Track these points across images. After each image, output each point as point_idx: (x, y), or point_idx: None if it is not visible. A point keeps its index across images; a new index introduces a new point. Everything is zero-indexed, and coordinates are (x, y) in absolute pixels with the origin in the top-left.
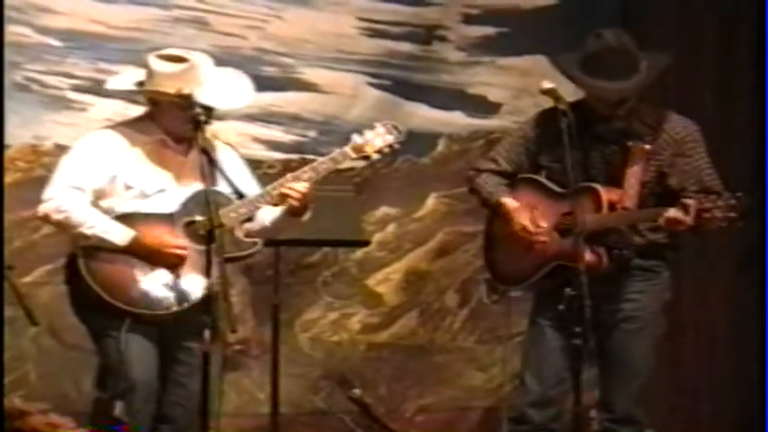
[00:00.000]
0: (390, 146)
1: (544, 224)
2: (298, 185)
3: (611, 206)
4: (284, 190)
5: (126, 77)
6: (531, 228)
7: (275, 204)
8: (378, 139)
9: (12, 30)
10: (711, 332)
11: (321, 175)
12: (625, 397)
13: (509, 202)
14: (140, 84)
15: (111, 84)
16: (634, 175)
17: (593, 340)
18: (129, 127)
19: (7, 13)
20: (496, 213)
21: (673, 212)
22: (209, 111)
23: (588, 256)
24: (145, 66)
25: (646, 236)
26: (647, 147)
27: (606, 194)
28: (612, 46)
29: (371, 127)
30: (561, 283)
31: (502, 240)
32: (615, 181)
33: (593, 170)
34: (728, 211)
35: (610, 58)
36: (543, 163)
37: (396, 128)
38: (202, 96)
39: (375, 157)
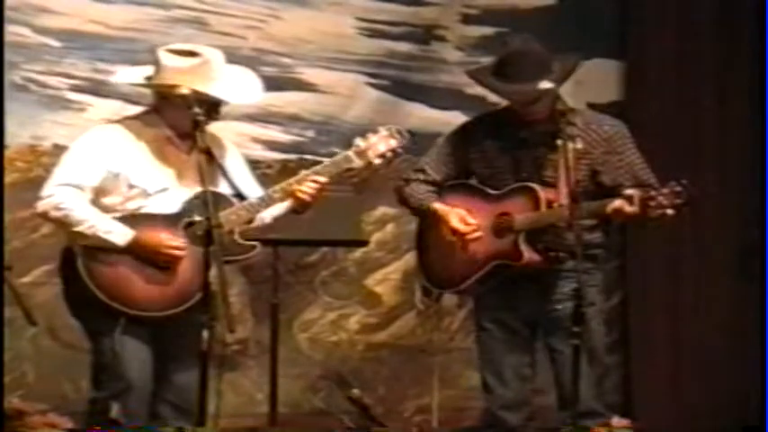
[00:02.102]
0: (393, 150)
1: (474, 222)
2: (320, 177)
3: (549, 205)
4: (300, 186)
5: (135, 71)
6: (462, 228)
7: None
8: (381, 143)
9: (10, 30)
10: (711, 331)
11: (323, 177)
12: (583, 391)
13: (440, 207)
14: (149, 78)
15: (120, 76)
16: (566, 175)
17: (541, 339)
18: (134, 120)
19: (6, 13)
20: (428, 220)
21: (618, 203)
22: (217, 107)
23: (530, 255)
24: (153, 61)
25: (581, 236)
26: (578, 146)
27: (543, 194)
28: (518, 50)
29: (375, 131)
30: (504, 281)
31: (436, 244)
32: (548, 183)
33: (525, 173)
34: (675, 199)
35: (517, 61)
36: (474, 169)
37: (399, 132)
38: (216, 91)
39: (377, 162)
